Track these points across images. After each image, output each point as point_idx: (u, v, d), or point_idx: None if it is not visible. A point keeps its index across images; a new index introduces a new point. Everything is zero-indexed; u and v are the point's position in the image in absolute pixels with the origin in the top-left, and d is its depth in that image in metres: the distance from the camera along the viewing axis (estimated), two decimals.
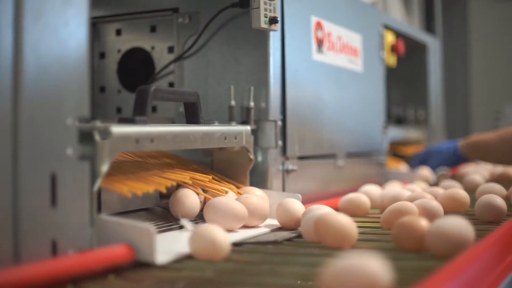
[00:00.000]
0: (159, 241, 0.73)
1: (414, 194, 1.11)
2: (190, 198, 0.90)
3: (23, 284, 0.60)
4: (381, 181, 1.61)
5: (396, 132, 1.94)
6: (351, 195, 1.16)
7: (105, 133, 0.77)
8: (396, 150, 1.98)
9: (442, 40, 2.51)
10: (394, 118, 2.10)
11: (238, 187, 1.06)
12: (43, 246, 0.67)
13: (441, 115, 2.34)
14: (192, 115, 1.00)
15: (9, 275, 0.60)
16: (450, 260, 0.65)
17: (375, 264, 0.53)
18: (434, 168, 1.78)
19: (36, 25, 0.67)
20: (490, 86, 3.41)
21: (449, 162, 1.75)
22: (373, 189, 1.28)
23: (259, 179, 1.15)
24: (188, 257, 0.77)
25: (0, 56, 0.64)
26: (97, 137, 0.76)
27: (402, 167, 1.88)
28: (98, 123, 0.76)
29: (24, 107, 0.66)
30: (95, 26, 1.34)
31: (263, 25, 1.08)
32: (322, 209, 0.90)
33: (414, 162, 1.85)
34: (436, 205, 0.97)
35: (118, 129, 0.78)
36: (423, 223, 0.78)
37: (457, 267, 0.61)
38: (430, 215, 0.94)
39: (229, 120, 1.14)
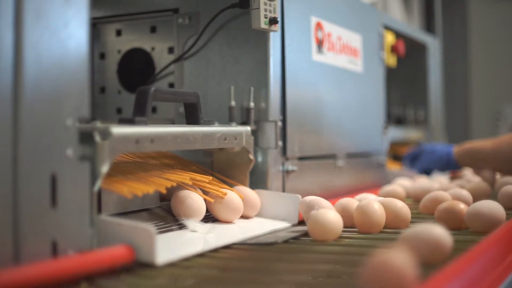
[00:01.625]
0: (159, 241, 0.73)
1: (443, 186, 1.31)
2: (195, 200, 0.90)
3: (23, 284, 0.60)
4: (381, 182, 1.61)
5: (396, 133, 1.94)
6: (389, 187, 1.31)
7: (105, 134, 0.77)
8: (396, 151, 1.98)
9: (442, 40, 2.51)
10: (394, 118, 2.10)
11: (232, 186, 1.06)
12: (43, 246, 0.68)
13: (441, 115, 2.34)
14: (192, 116, 1.00)
15: (9, 275, 0.60)
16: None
17: (439, 230, 0.70)
18: (421, 167, 1.75)
19: (36, 26, 0.67)
20: (490, 86, 3.42)
21: (440, 164, 1.71)
22: (405, 182, 1.46)
23: (259, 180, 1.15)
24: (187, 259, 0.77)
25: (1, 57, 0.64)
26: (97, 137, 0.76)
27: (402, 168, 1.88)
28: (98, 124, 0.76)
29: (25, 107, 0.66)
30: (95, 26, 1.34)
31: (263, 25, 1.08)
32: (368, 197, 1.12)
33: (406, 160, 1.83)
34: (466, 193, 1.13)
35: (118, 130, 0.78)
36: (462, 206, 0.94)
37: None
38: (462, 201, 1.03)
39: (229, 120, 1.14)
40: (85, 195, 0.73)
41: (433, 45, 2.25)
